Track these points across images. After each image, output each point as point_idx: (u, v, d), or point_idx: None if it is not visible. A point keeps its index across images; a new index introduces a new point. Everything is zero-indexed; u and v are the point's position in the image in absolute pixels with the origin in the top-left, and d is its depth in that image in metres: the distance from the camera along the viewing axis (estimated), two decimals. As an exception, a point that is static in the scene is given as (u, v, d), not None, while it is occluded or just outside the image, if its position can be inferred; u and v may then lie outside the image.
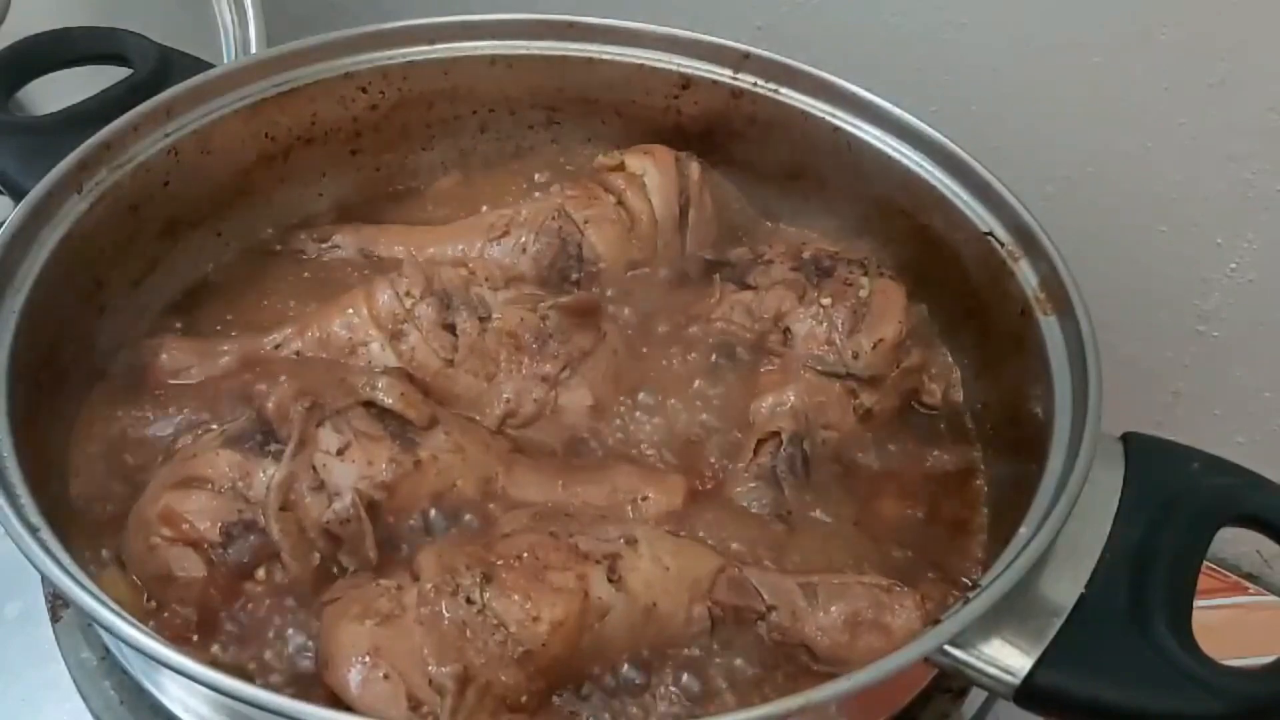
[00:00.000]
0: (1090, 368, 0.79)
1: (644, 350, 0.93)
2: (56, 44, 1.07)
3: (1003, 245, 0.90)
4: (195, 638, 0.73)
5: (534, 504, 0.80)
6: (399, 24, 1.03)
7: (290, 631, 0.74)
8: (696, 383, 0.91)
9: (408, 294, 0.88)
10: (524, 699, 0.69)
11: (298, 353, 0.88)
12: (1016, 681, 0.67)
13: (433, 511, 0.78)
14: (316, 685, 0.71)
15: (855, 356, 0.88)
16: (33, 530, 0.68)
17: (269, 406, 0.77)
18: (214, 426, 0.82)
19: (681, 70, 1.05)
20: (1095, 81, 1.04)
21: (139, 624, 0.64)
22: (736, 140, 1.06)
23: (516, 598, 0.70)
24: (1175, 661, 0.68)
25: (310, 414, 0.77)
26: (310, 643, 0.73)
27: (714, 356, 0.91)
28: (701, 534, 0.81)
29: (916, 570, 0.82)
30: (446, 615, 0.69)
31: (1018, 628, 0.68)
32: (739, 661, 0.75)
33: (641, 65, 1.05)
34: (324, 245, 1.01)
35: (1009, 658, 0.67)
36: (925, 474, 0.89)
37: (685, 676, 0.74)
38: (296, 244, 1.02)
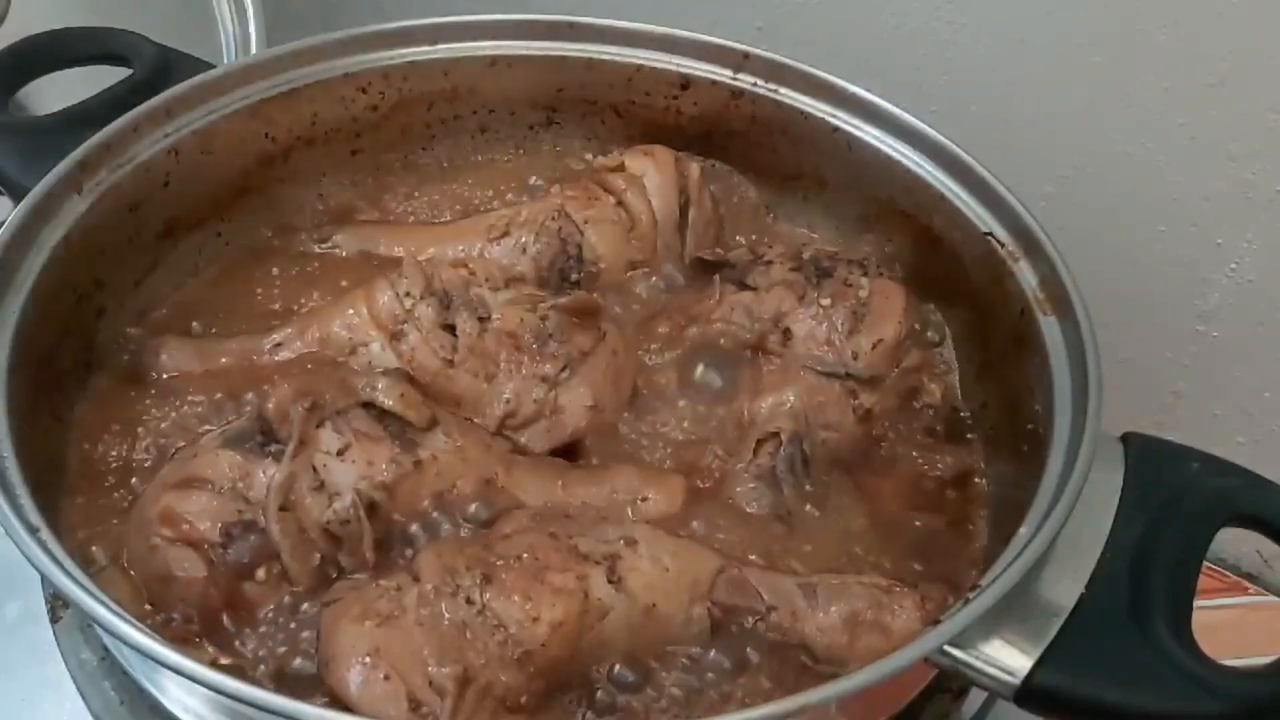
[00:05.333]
0: (1090, 368, 0.79)
1: (644, 350, 0.93)
2: (56, 44, 1.07)
3: (1003, 245, 0.90)
4: (195, 638, 0.73)
5: (534, 505, 0.80)
6: (399, 24, 1.03)
7: (290, 632, 0.74)
8: (696, 383, 0.90)
9: (408, 294, 0.88)
10: (524, 700, 0.69)
11: (298, 353, 0.88)
12: (1016, 682, 0.67)
13: (433, 512, 0.78)
14: (317, 686, 0.71)
15: (855, 357, 0.88)
16: (33, 530, 0.68)
17: (269, 407, 0.77)
18: (214, 427, 0.82)
19: (681, 70, 1.05)
20: (1095, 81, 1.04)
21: (139, 624, 0.64)
22: (736, 140, 1.06)
23: (516, 598, 0.70)
24: (1175, 661, 0.68)
25: (310, 414, 0.77)
26: (310, 643, 0.73)
27: (713, 357, 0.91)
28: (701, 535, 0.81)
29: (916, 570, 0.82)
30: (446, 616, 0.69)
31: (1018, 628, 0.68)
32: (738, 662, 0.75)
33: (641, 65, 1.05)
34: (324, 245, 1.01)
35: (1009, 658, 0.67)
36: (925, 474, 0.89)
37: (685, 677, 0.74)
38: (296, 244, 1.02)
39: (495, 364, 0.86)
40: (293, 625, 0.74)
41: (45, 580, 0.71)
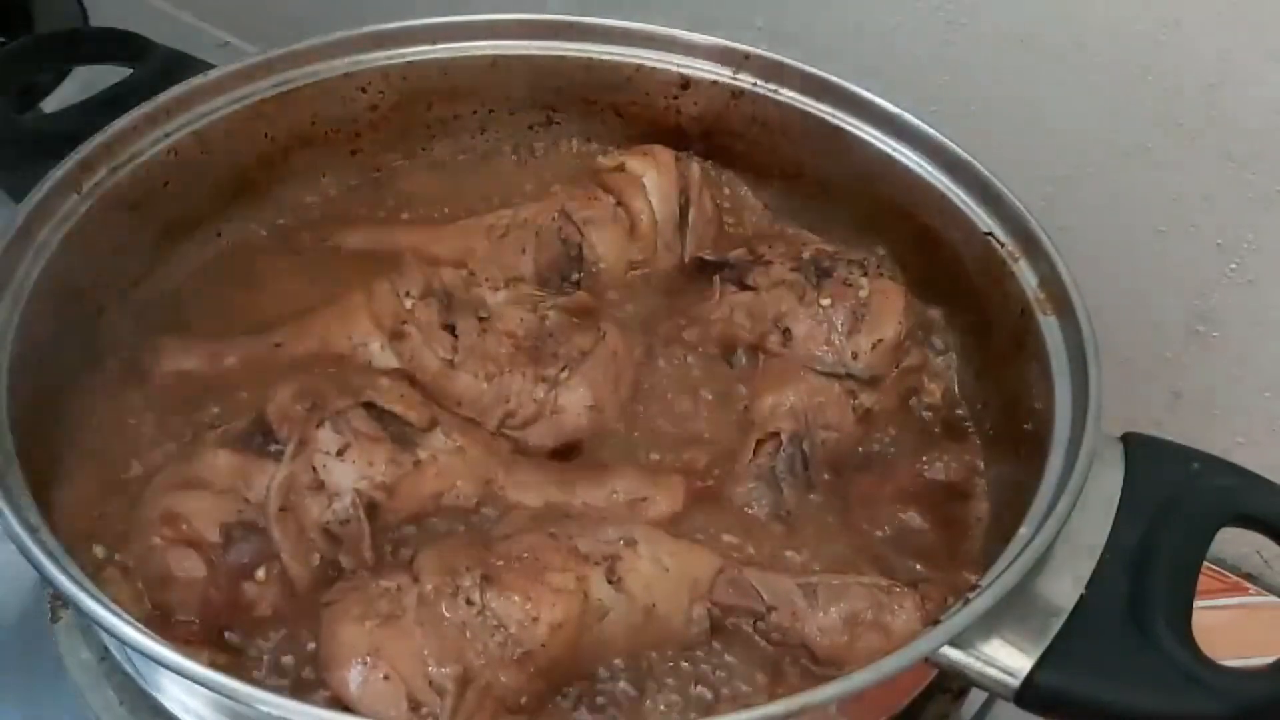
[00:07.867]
0: (1090, 368, 0.79)
1: (643, 351, 0.93)
2: (57, 44, 1.07)
3: (1003, 245, 0.90)
4: (195, 638, 0.73)
5: (534, 505, 0.80)
6: (399, 24, 1.03)
7: (290, 632, 0.74)
8: (696, 383, 0.90)
9: (408, 294, 0.88)
10: (524, 700, 0.69)
11: (298, 353, 0.88)
12: (1016, 682, 0.67)
13: (433, 512, 0.78)
14: (317, 686, 0.71)
15: (855, 357, 0.88)
16: (33, 530, 0.68)
17: (269, 407, 0.77)
18: (214, 427, 0.82)
19: (681, 70, 1.05)
20: (1095, 81, 1.04)
21: (139, 625, 0.64)
22: (736, 140, 1.06)
23: (516, 599, 0.70)
24: (1175, 662, 0.68)
25: (310, 415, 0.77)
26: (310, 643, 0.73)
27: (713, 357, 0.91)
28: (701, 535, 0.81)
29: (916, 570, 0.82)
30: (446, 616, 0.69)
31: (1018, 628, 0.68)
32: (738, 662, 0.75)
33: (641, 65, 1.05)
34: (324, 245, 1.01)
35: (1009, 658, 0.67)
36: (925, 474, 0.89)
37: (684, 677, 0.74)
38: (296, 244, 1.02)
39: (495, 364, 0.86)
40: (292, 625, 0.74)
41: (45, 580, 0.71)
